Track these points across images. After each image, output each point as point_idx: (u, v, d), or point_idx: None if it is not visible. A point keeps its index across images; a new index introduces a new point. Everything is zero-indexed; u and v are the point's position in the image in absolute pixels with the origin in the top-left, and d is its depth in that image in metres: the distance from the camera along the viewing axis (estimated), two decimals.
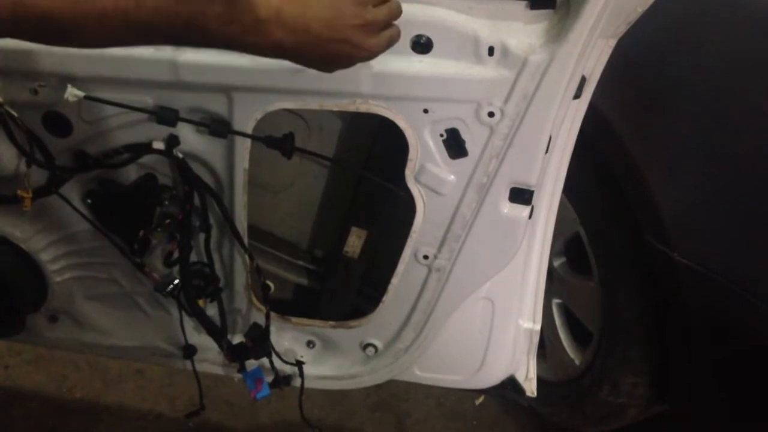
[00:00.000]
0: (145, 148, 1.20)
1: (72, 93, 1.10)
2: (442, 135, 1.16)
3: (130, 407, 1.96)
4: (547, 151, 1.19)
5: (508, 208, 1.23)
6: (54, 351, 1.99)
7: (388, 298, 1.36)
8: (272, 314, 1.38)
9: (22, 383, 1.94)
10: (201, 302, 1.37)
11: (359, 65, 0.89)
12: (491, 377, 1.52)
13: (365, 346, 1.46)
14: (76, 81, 1.11)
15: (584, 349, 1.85)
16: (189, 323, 1.40)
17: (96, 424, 1.89)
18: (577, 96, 1.18)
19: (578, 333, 1.89)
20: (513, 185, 1.21)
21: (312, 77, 0.91)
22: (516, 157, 1.17)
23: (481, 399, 2.18)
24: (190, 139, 1.20)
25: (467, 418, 2.13)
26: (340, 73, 0.89)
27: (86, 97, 1.10)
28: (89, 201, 1.29)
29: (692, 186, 1.57)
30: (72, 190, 1.28)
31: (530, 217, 1.25)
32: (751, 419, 1.55)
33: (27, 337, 1.48)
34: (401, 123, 1.16)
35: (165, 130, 1.19)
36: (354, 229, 1.37)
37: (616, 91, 1.53)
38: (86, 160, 1.22)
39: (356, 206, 1.38)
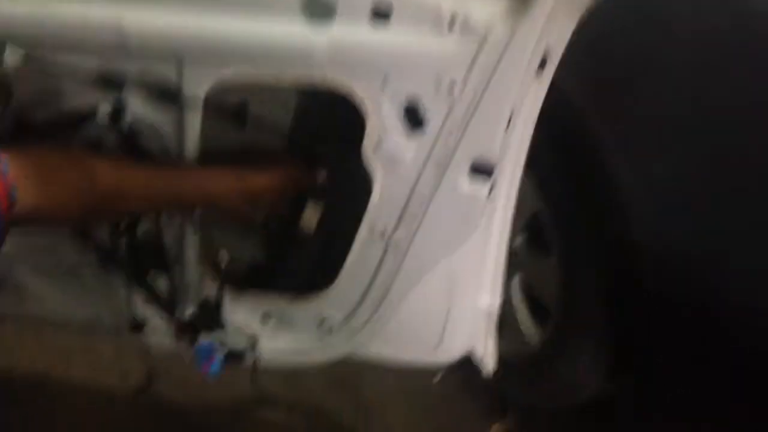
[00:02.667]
0: (90, 116, 1.15)
1: (12, 54, 1.04)
2: (400, 108, 1.13)
3: (80, 382, 1.91)
4: (508, 127, 1.16)
5: (468, 184, 1.21)
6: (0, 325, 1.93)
7: (344, 274, 1.34)
8: (225, 288, 1.34)
9: None
10: (150, 274, 1.33)
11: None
12: (449, 354, 1.50)
13: (321, 322, 1.43)
14: (18, 42, 1.06)
15: (542, 326, 1.85)
16: (137, 296, 1.36)
17: (43, 399, 1.84)
18: (540, 70, 1.16)
19: (537, 311, 1.89)
20: (473, 161, 1.18)
21: (266, 46, 0.87)
22: (477, 132, 1.14)
23: (439, 376, 2.17)
24: (139, 107, 1.15)
25: (425, 395, 2.12)
26: (296, 42, 0.86)
27: (28, 56, 1.05)
28: None
29: (654, 167, 1.56)
30: None
31: (490, 193, 1.23)
32: (706, 401, 1.57)
33: None
34: (358, 95, 1.12)
35: (111, 98, 1.14)
36: (310, 203, 1.34)
37: (579, 67, 1.51)
38: (27, 126, 1.16)
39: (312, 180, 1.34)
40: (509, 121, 1.16)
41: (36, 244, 1.34)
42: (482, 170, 1.19)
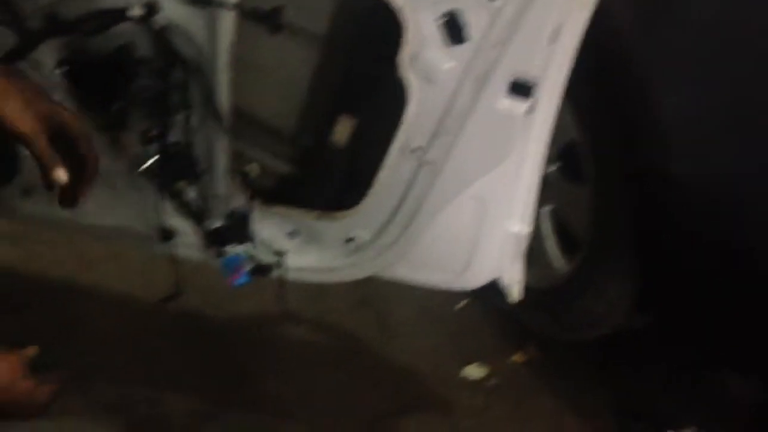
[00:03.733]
0: (122, 14, 1.12)
1: None
2: (441, 18, 1.09)
3: (107, 289, 1.94)
4: (551, 44, 1.12)
5: (507, 102, 1.17)
6: (31, 230, 1.95)
7: (374, 191, 1.32)
8: (254, 201, 1.33)
9: None
10: (180, 184, 1.32)
11: None
12: (476, 279, 1.49)
13: (349, 240, 1.42)
14: None
15: (571, 256, 1.83)
16: (167, 205, 1.35)
17: (70, 304, 1.87)
18: None
19: (566, 241, 1.86)
20: (513, 77, 1.14)
21: None
22: (519, 47, 1.10)
23: (462, 303, 2.18)
24: (172, 7, 1.12)
25: (448, 322, 2.13)
26: None
27: None
28: (63, 69, 1.21)
29: (696, 98, 1.51)
30: (45, 57, 1.20)
31: (528, 114, 1.19)
32: (732, 334, 1.55)
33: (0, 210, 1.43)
34: (397, 3, 1.08)
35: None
36: (342, 117, 1.31)
37: None
38: (58, 24, 1.14)
39: (346, 93, 1.31)
40: (553, 38, 1.11)
41: None
42: (522, 88, 1.15)
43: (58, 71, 1.20)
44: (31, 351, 1.02)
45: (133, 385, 1.73)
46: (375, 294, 2.13)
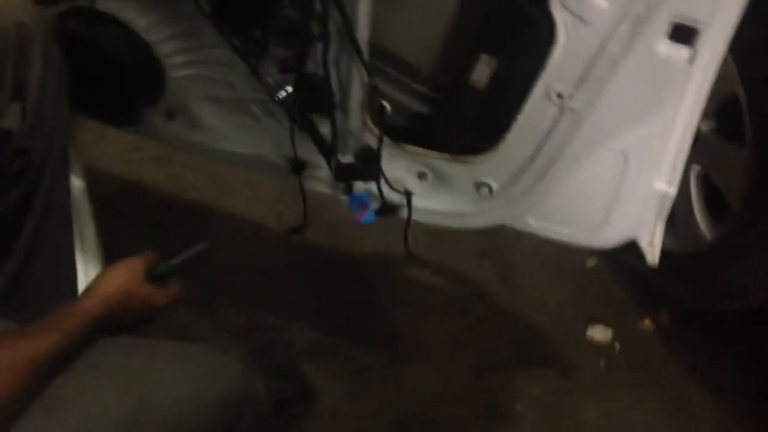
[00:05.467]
0: None
1: None
2: None
3: (239, 216, 2.00)
4: None
5: (666, 48, 1.07)
6: (173, 153, 2.03)
7: (511, 136, 1.26)
8: (385, 139, 1.31)
9: (141, 177, 2.01)
10: (313, 117, 1.32)
11: None
12: (612, 237, 1.41)
13: (479, 185, 1.37)
14: None
15: (718, 223, 1.70)
16: (300, 137, 1.36)
17: (203, 227, 1.94)
18: None
19: (714, 205, 1.73)
20: (676, 20, 1.04)
21: None
22: None
23: (593, 262, 2.09)
24: None
25: (575, 280, 2.05)
26: None
27: None
28: None
29: None
30: None
31: (690, 61, 1.08)
32: None
33: (144, 132, 1.48)
34: None
35: None
36: (483, 57, 1.25)
37: None
38: None
39: (488, 31, 1.25)
40: None
41: (212, 76, 1.35)
42: (685, 33, 1.05)
43: None
44: (153, 259, 1.07)
45: (258, 311, 1.79)
46: (500, 245, 2.08)
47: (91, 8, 1.27)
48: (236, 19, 1.23)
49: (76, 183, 1.22)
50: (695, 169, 1.75)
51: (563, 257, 2.07)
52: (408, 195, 1.40)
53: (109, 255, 1.22)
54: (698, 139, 1.69)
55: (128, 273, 1.03)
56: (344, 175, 1.35)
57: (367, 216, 1.39)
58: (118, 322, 1.00)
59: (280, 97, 1.25)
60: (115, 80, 1.34)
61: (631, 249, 1.42)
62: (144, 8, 1.28)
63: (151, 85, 1.37)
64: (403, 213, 1.43)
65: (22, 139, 0.94)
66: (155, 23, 1.30)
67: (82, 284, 1.14)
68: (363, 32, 1.19)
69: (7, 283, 1.02)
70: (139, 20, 1.29)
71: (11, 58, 0.90)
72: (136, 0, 1.26)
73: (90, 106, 1.38)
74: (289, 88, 1.25)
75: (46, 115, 0.97)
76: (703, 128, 1.68)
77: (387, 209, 1.42)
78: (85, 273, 1.16)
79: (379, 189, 1.37)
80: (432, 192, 1.43)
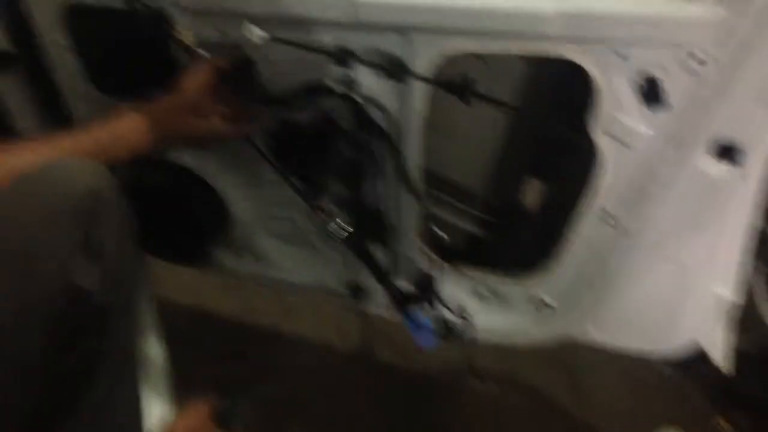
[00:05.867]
0: (323, 89, 1.19)
1: (256, 34, 1.10)
2: (638, 83, 1.04)
3: (307, 337, 2.03)
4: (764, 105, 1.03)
5: (713, 168, 1.09)
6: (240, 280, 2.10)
7: (565, 256, 1.28)
8: (441, 262, 1.34)
9: (211, 306, 2.08)
10: (371, 245, 1.37)
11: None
12: (676, 344, 1.40)
13: (538, 302, 1.39)
14: (256, 20, 1.12)
15: None
16: (358, 265, 1.40)
17: (276, 352, 1.99)
18: None
19: None
20: (721, 142, 1.06)
21: (498, 17, 0.84)
22: (726, 110, 1.02)
23: (668, 371, 2.03)
24: (367, 81, 1.17)
25: (651, 389, 2.00)
26: (529, 12, 0.82)
27: (272, 39, 1.10)
28: (269, 142, 1.30)
29: None
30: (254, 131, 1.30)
31: (737, 177, 1.10)
32: None
33: (214, 268, 1.56)
34: (592, 69, 1.05)
35: (342, 71, 1.17)
36: (532, 181, 1.29)
37: None
38: (268, 98, 1.23)
39: (536, 157, 1.29)
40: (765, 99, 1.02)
41: (274, 214, 1.43)
42: (730, 152, 1.07)
43: (267, 142, 1.29)
44: (220, 402, 1.11)
45: None
46: (565, 351, 2.04)
47: (161, 159, 1.37)
48: (295, 161, 1.31)
49: (155, 324, 1.29)
50: (762, 269, 1.72)
51: (638, 366, 2.03)
52: (466, 317, 1.41)
53: (182, 388, 1.27)
54: (765, 239, 1.67)
55: (195, 418, 1.07)
56: (402, 301, 1.38)
57: (428, 340, 1.40)
58: None
59: (340, 236, 1.31)
60: (185, 224, 1.42)
61: (703, 356, 1.40)
62: (208, 156, 1.37)
63: (218, 227, 1.46)
64: (464, 333, 1.44)
65: (102, 297, 1.00)
66: (220, 170, 1.39)
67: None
68: (415, 165, 1.25)
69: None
70: (204, 167, 1.39)
71: (85, 221, 0.95)
72: (202, 151, 1.35)
73: (163, 251, 1.46)
74: (349, 228, 1.30)
75: (124, 273, 1.02)
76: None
77: (447, 330, 1.43)
78: (156, 416, 1.20)
79: (439, 314, 1.39)
80: (490, 310, 1.44)
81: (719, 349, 1.38)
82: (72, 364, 1.02)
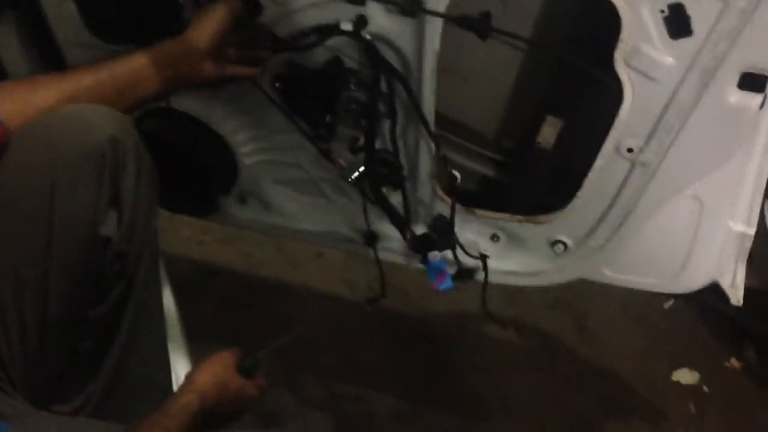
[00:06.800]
0: (334, 29, 1.15)
1: None
2: (663, 11, 1.01)
3: (313, 288, 2.02)
4: None
5: (736, 97, 1.07)
6: (241, 231, 2.07)
7: (583, 193, 1.26)
8: (457, 206, 1.32)
9: (214, 259, 2.06)
10: (385, 190, 1.34)
11: None
12: (692, 282, 1.40)
13: (554, 243, 1.38)
14: None
15: None
16: (372, 211, 1.38)
17: (282, 302, 1.97)
18: None
19: None
20: (745, 70, 1.04)
21: None
22: (753, 37, 0.99)
23: (670, 303, 2.05)
24: (379, 19, 1.13)
25: (654, 323, 2.02)
26: None
27: None
28: (277, 85, 1.26)
29: None
30: (261, 74, 1.26)
31: (762, 106, 1.08)
32: None
33: (219, 217, 1.53)
34: None
35: (353, 11, 1.12)
36: (549, 118, 1.26)
37: None
38: (276, 42, 1.19)
39: (553, 93, 1.27)
40: None
41: (282, 160, 1.40)
42: (755, 81, 1.05)
43: (275, 85, 1.25)
44: (241, 352, 1.11)
45: (339, 383, 1.80)
46: (572, 293, 2.06)
47: (166, 107, 1.33)
48: (304, 105, 1.28)
49: (164, 277, 1.27)
50: None
51: (639, 300, 2.04)
52: (483, 258, 1.40)
53: (192, 340, 1.26)
54: None
55: (221, 367, 1.06)
56: (420, 246, 1.36)
57: (446, 283, 1.40)
58: (215, 415, 1.03)
59: (353, 177, 1.28)
60: (192, 173, 1.39)
61: (712, 289, 1.40)
62: (215, 102, 1.33)
63: (225, 175, 1.42)
64: (480, 276, 1.43)
65: (119, 244, 0.99)
66: (226, 116, 1.35)
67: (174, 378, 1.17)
68: (429, 105, 1.22)
69: (107, 381, 1.06)
70: (210, 114, 1.35)
71: (108, 169, 0.95)
72: (207, 96, 1.31)
73: (168, 200, 1.43)
74: (362, 169, 1.28)
75: (140, 220, 1.01)
76: None
77: (464, 274, 1.43)
78: (175, 367, 1.20)
79: (455, 256, 1.38)
80: (507, 253, 1.43)
81: (738, 288, 1.38)
82: (98, 316, 1.01)
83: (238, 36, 1.14)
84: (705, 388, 1.87)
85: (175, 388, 1.08)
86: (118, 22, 1.27)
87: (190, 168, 1.39)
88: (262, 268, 2.07)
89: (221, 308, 1.92)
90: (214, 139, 1.37)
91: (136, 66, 1.06)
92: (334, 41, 1.17)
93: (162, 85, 1.08)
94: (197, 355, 1.21)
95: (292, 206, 1.48)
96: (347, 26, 1.14)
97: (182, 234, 2.05)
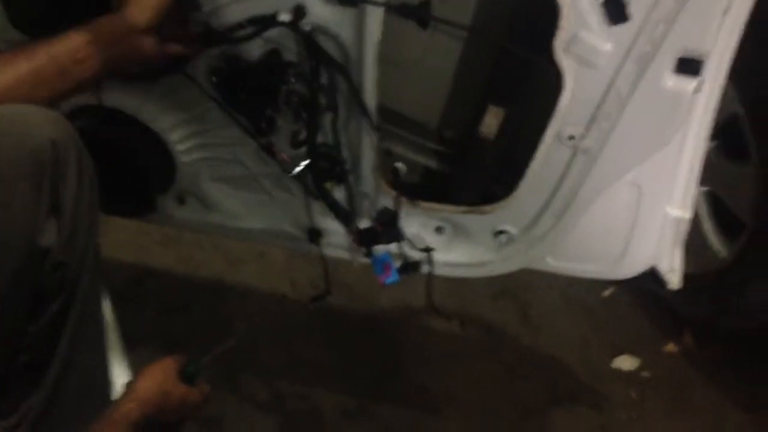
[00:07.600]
0: (270, 20, 1.12)
1: None
2: None
3: (254, 288, 1.99)
4: (724, 14, 1.03)
5: (673, 81, 1.09)
6: (180, 232, 2.02)
7: (525, 182, 1.27)
8: (401, 199, 1.31)
9: (152, 261, 1.99)
10: (328, 185, 1.32)
11: None
12: (632, 267, 1.42)
13: (498, 233, 1.38)
14: None
15: (732, 240, 1.71)
16: (315, 206, 1.36)
17: (222, 303, 1.93)
18: None
19: (725, 223, 1.74)
20: (681, 54, 1.06)
21: None
22: (689, 21, 1.02)
23: (609, 291, 2.09)
24: (318, 10, 1.11)
25: (594, 311, 2.05)
26: None
27: None
28: (214, 79, 1.23)
29: None
30: (196, 68, 1.22)
31: (696, 91, 1.11)
32: None
33: (157, 218, 1.48)
34: None
35: (291, 1, 1.10)
36: (491, 108, 1.26)
37: None
38: (211, 35, 1.15)
39: (495, 83, 1.27)
40: (726, 9, 1.02)
41: (221, 157, 1.36)
42: (691, 65, 1.07)
43: (212, 79, 1.21)
44: (183, 359, 1.07)
45: (282, 381, 1.77)
46: (516, 284, 2.08)
47: (97, 105, 1.28)
48: (243, 99, 1.24)
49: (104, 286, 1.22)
50: (704, 189, 1.77)
51: (579, 289, 2.08)
52: (428, 251, 1.40)
53: (130, 346, 1.22)
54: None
55: (162, 374, 1.03)
56: (365, 240, 1.35)
57: (392, 276, 1.38)
58: (157, 423, 1.00)
59: (296, 172, 1.25)
60: (128, 173, 1.34)
61: (650, 275, 1.43)
62: (149, 98, 1.28)
63: (162, 174, 1.38)
64: (425, 269, 1.43)
65: (59, 255, 0.94)
66: (161, 112, 1.30)
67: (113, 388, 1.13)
68: (370, 97, 1.20)
69: (45, 396, 1.01)
70: (145, 111, 1.30)
71: (47, 174, 0.90)
72: (140, 92, 1.27)
73: (103, 204, 1.38)
74: (304, 163, 1.25)
75: (82, 228, 0.96)
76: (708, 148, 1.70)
77: (410, 267, 1.42)
78: (113, 375, 1.16)
79: (401, 249, 1.37)
80: (452, 245, 1.43)
81: (675, 272, 1.41)
82: (37, 330, 0.96)
83: (174, 14, 1.08)
84: (645, 374, 1.91)
85: (114, 397, 1.04)
86: (43, 15, 1.21)
87: (125, 168, 1.34)
88: (202, 269, 2.02)
89: (160, 312, 1.86)
90: (150, 137, 1.32)
91: (75, 45, 0.97)
92: (272, 33, 1.14)
93: (103, 63, 1.00)
94: (137, 361, 1.17)
95: (233, 204, 1.44)
96: (285, 17, 1.11)
97: (119, 237, 1.98)
